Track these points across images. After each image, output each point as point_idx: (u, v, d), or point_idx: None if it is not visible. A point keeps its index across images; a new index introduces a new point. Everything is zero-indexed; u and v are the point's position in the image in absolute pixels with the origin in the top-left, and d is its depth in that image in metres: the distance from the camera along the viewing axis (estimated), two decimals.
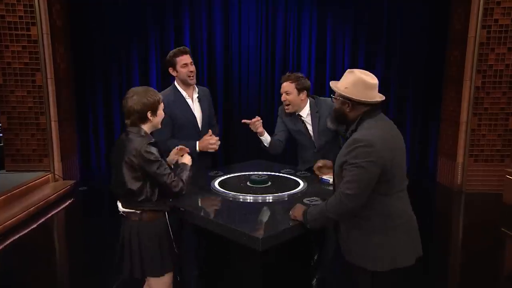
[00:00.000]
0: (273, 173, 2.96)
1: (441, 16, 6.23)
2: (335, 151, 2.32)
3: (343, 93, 1.93)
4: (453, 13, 5.97)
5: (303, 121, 3.09)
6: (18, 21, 5.44)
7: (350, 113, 1.95)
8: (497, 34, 5.45)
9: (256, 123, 3.06)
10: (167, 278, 2.23)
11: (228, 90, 6.70)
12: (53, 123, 5.74)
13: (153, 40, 6.58)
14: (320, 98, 3.15)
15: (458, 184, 5.87)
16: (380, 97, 1.96)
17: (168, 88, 3.06)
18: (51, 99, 5.68)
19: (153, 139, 2.13)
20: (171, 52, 2.98)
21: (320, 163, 2.77)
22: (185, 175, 2.20)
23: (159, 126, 2.24)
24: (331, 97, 2.06)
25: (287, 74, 3.06)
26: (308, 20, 6.60)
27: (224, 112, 6.70)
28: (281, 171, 3.06)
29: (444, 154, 6.16)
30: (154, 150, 2.06)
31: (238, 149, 6.52)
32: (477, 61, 5.52)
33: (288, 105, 3.02)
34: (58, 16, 5.81)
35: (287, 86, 2.99)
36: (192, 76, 2.97)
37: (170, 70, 2.99)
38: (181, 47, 3.00)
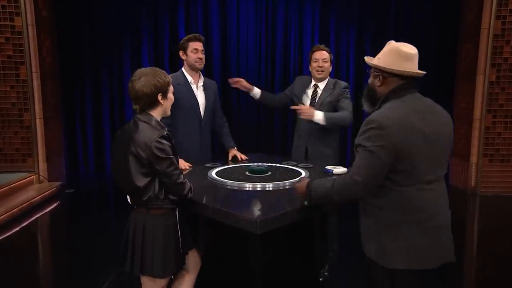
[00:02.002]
0: (273, 164, 3.01)
1: (452, 6, 6.31)
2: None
3: (374, 63, 1.88)
4: (465, 3, 6.05)
5: (316, 91, 3.51)
6: (1, 10, 5.47)
7: (380, 88, 1.88)
8: None
9: (240, 82, 3.66)
10: (163, 282, 2.19)
11: (226, 89, 6.73)
12: (38, 121, 5.76)
13: (146, 34, 6.65)
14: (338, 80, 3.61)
15: (472, 186, 5.89)
16: (417, 72, 1.86)
17: (175, 73, 3.35)
18: (36, 94, 5.71)
19: (166, 131, 2.03)
20: (185, 37, 3.33)
21: None
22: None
23: (169, 113, 2.19)
24: (366, 71, 2.01)
25: (321, 45, 3.53)
26: (310, 18, 6.68)
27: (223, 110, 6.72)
28: (282, 162, 3.12)
29: (457, 154, 6.19)
30: (166, 145, 1.99)
31: (238, 147, 6.49)
32: (491, 54, 5.58)
33: (322, 71, 3.47)
34: (44, 6, 5.86)
35: (326, 55, 3.47)
36: (201, 62, 3.29)
37: (181, 53, 3.32)
38: (197, 34, 3.35)
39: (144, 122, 2.03)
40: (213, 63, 6.68)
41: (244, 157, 3.39)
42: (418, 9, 6.54)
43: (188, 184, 2.11)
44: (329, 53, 3.50)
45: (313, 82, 3.54)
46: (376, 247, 1.85)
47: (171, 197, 2.08)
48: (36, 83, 5.69)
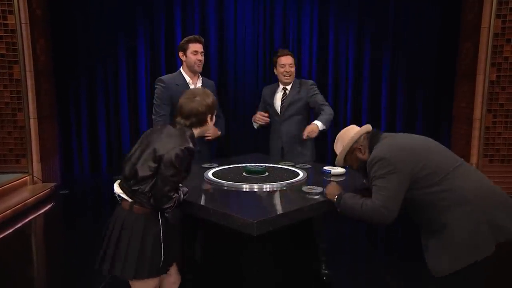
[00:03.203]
0: (270, 165, 3.00)
1: (453, 6, 6.30)
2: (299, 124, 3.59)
3: (347, 148, 2.21)
4: (465, 2, 6.04)
5: (285, 93, 3.71)
6: None
7: (365, 155, 2.19)
8: None
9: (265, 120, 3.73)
10: (144, 285, 2.16)
11: (223, 89, 6.73)
12: (32, 121, 5.74)
13: (142, 34, 6.62)
14: (302, 79, 3.88)
15: None
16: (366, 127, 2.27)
17: (174, 73, 3.46)
18: (30, 94, 5.68)
19: (192, 145, 2.10)
20: (186, 38, 3.38)
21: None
22: (180, 196, 2.16)
23: (207, 133, 2.36)
24: (348, 166, 2.36)
25: (284, 49, 3.79)
26: (308, 18, 6.66)
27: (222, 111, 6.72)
28: (279, 163, 3.12)
29: (457, 154, 6.15)
30: (185, 157, 2.04)
31: (234, 147, 6.53)
32: (491, 54, 5.57)
33: (290, 75, 3.66)
34: (38, 4, 5.83)
35: (291, 59, 3.68)
36: (200, 64, 3.34)
37: (180, 54, 3.37)
38: (197, 36, 3.40)
39: (183, 131, 2.14)
40: (210, 63, 6.64)
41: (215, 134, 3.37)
42: (418, 9, 6.54)
43: (174, 201, 2.08)
44: (293, 57, 3.72)
45: (281, 86, 3.75)
46: (457, 250, 1.95)
47: (151, 200, 2.08)
48: (30, 83, 5.66)
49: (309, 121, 3.60)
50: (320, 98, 3.65)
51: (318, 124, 3.39)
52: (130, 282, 2.19)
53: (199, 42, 3.33)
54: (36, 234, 4.84)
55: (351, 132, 2.26)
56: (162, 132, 2.15)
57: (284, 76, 3.65)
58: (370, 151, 2.14)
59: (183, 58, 3.36)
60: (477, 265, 1.94)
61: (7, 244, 4.29)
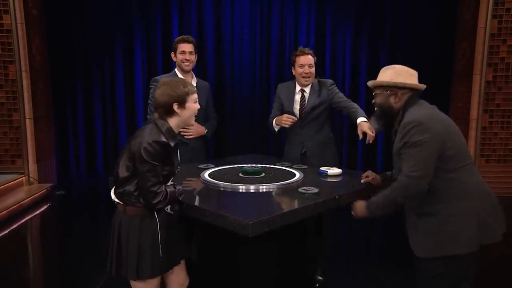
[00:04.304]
0: (267, 165, 3.01)
1: (449, 6, 6.33)
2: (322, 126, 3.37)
3: (391, 83, 2.12)
4: (462, 2, 6.07)
5: (303, 95, 3.44)
6: None
7: (397, 104, 2.15)
8: (509, 24, 5.52)
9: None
10: (147, 285, 2.16)
11: (219, 87, 6.74)
12: (27, 121, 5.73)
13: (138, 34, 6.62)
14: (321, 79, 3.55)
15: None
16: (424, 86, 2.17)
17: (168, 73, 3.53)
18: (25, 94, 5.66)
19: (164, 139, 2.06)
20: (176, 38, 3.48)
21: (370, 174, 2.65)
22: (173, 194, 2.13)
23: (191, 122, 2.21)
24: (373, 94, 2.23)
25: (305, 48, 3.44)
26: (305, 18, 6.68)
27: (216, 111, 6.71)
28: (276, 164, 3.12)
29: None
30: (156, 150, 2.01)
31: (231, 148, 6.52)
32: (488, 54, 5.59)
33: (309, 77, 3.38)
34: (34, 4, 5.82)
35: (311, 59, 3.39)
36: (188, 63, 3.38)
37: (172, 55, 3.46)
38: (186, 36, 3.45)
39: (156, 125, 2.11)
40: (207, 63, 6.66)
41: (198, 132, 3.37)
42: (415, 9, 6.56)
43: (162, 195, 2.06)
44: (313, 56, 3.42)
45: (299, 87, 3.47)
46: (444, 239, 2.00)
47: (141, 199, 2.09)
48: (25, 83, 5.65)
49: (332, 119, 3.53)
50: (343, 97, 3.39)
51: (365, 124, 2.96)
52: (132, 283, 2.18)
53: (187, 41, 3.39)
54: (32, 235, 4.83)
55: (409, 78, 2.16)
56: (142, 129, 2.14)
57: (303, 77, 3.36)
58: (404, 108, 2.12)
59: (174, 59, 3.45)
60: (458, 259, 2.00)
61: (3, 245, 4.28)
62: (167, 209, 2.19)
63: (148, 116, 3.38)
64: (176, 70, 3.47)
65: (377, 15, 6.63)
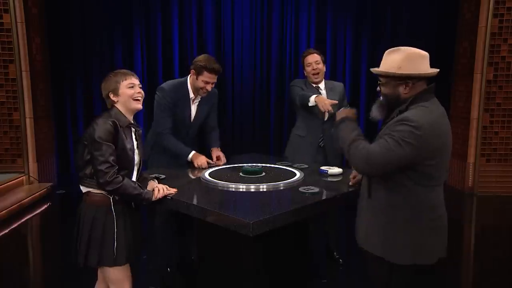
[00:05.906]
0: (267, 165, 3.01)
1: (450, 5, 6.33)
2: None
3: (404, 75, 1.87)
4: (463, 1, 6.07)
5: (318, 92, 3.57)
6: None
7: (406, 95, 1.91)
8: (510, 23, 5.53)
9: None
10: (116, 272, 2.25)
11: (219, 87, 6.72)
12: (28, 120, 5.74)
13: (138, 33, 6.60)
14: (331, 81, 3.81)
15: (469, 186, 5.92)
16: (436, 70, 1.94)
17: (181, 79, 3.30)
18: (25, 94, 5.68)
19: (113, 120, 2.18)
20: (204, 60, 3.10)
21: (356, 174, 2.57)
22: (133, 190, 2.17)
23: (132, 106, 2.28)
24: (378, 83, 2.00)
25: (310, 49, 3.70)
26: (306, 17, 6.67)
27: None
28: (277, 163, 3.13)
29: (454, 154, 6.20)
30: (102, 128, 2.12)
31: (231, 147, 6.51)
32: (489, 53, 5.60)
33: (318, 73, 3.55)
34: (34, 3, 5.83)
35: (318, 57, 3.56)
36: (206, 92, 3.15)
37: (192, 71, 3.12)
38: (217, 65, 3.11)
39: (107, 112, 2.27)
40: None
41: (221, 161, 3.18)
42: (416, 8, 6.55)
43: (111, 177, 2.10)
44: (319, 55, 3.58)
45: (313, 85, 3.62)
46: (384, 243, 1.96)
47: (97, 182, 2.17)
48: (25, 82, 5.66)
49: None
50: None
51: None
52: (100, 270, 2.33)
53: (216, 73, 3.08)
54: (32, 234, 4.84)
55: (422, 64, 1.91)
56: (98, 117, 2.28)
57: (313, 74, 3.55)
58: (413, 101, 1.88)
59: (193, 77, 3.12)
60: (415, 268, 1.96)
61: (3, 244, 4.28)
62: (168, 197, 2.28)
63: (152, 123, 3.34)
64: (189, 83, 3.20)
65: (377, 15, 6.63)
